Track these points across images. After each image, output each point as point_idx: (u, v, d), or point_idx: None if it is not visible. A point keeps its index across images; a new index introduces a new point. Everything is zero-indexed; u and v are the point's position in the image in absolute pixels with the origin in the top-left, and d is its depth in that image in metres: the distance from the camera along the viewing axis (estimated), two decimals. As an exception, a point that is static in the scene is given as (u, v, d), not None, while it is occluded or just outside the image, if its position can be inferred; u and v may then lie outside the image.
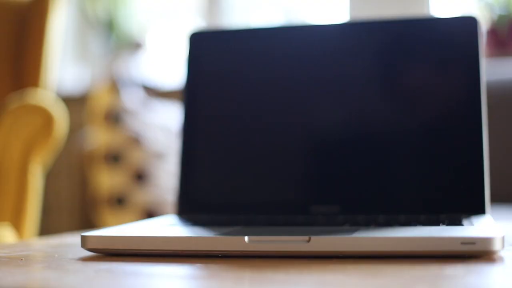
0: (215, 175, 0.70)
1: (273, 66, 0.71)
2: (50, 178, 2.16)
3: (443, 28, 0.68)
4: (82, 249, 0.54)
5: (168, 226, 0.59)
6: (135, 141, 1.69)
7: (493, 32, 2.01)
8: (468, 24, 0.67)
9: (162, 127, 1.77)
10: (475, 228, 0.51)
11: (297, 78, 0.70)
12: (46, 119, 1.41)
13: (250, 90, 0.71)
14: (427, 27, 0.68)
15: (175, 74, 2.39)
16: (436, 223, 0.56)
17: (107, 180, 1.68)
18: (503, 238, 0.47)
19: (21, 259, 0.52)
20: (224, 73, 0.72)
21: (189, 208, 0.70)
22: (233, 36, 0.74)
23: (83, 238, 0.53)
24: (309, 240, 0.48)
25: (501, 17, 2.02)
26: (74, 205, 1.94)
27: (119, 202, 1.67)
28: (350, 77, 0.68)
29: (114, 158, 1.68)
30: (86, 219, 1.78)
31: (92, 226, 1.73)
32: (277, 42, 0.72)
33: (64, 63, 2.55)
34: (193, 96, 0.73)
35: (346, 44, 0.70)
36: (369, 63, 0.68)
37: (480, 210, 0.63)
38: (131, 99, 1.76)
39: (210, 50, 0.73)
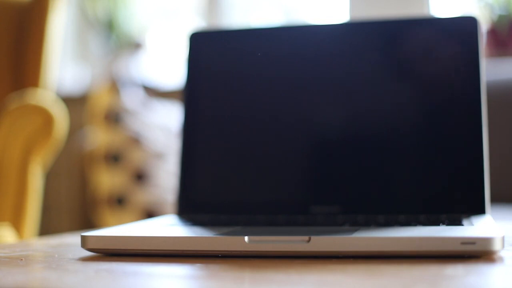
0: (215, 175, 0.70)
1: (273, 66, 0.71)
2: (50, 178, 2.16)
3: (443, 28, 0.68)
4: (82, 249, 0.54)
5: (168, 226, 0.59)
6: (135, 141, 1.69)
7: (493, 32, 2.01)
8: (468, 24, 0.67)
9: (162, 127, 1.77)
10: (475, 228, 0.51)
11: (297, 78, 0.70)
12: (46, 119, 1.41)
13: (250, 90, 0.71)
14: (427, 27, 0.68)
15: (175, 74, 2.39)
16: (436, 223, 0.56)
17: (107, 180, 1.68)
18: (503, 238, 0.47)
19: (21, 259, 0.52)
20: (224, 73, 0.72)
21: (189, 208, 0.70)
22: (233, 36, 0.73)
23: (83, 238, 0.53)
24: (309, 240, 0.48)
25: (501, 17, 2.02)
26: (74, 205, 1.94)
27: (119, 202, 1.67)
28: (350, 77, 0.68)
29: (114, 158, 1.68)
30: (86, 219, 1.78)
31: (92, 226, 1.73)
32: (277, 42, 0.72)
33: (64, 63, 2.55)
34: (193, 96, 0.73)
35: (346, 44, 0.70)
36: (368, 63, 0.68)
37: (480, 210, 0.63)
38: (131, 99, 1.76)
39: (210, 50, 0.73)
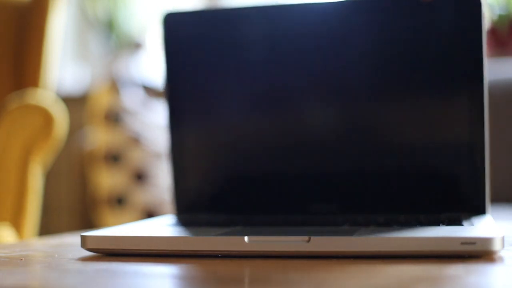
0: (214, 174, 0.70)
1: (255, 48, 0.67)
2: (50, 178, 2.16)
3: (445, 8, 0.65)
4: (82, 249, 0.54)
5: (168, 226, 0.59)
6: (135, 141, 1.69)
7: (493, 32, 2.01)
8: (471, 4, 0.63)
9: (162, 127, 1.77)
10: (475, 228, 0.51)
11: (289, 65, 0.66)
12: (46, 119, 1.41)
13: (239, 83, 0.69)
14: (428, 6, 0.65)
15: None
16: (436, 223, 0.56)
17: (107, 180, 1.68)
18: (503, 238, 0.47)
19: (21, 259, 0.52)
20: (207, 59, 0.67)
21: (187, 208, 0.70)
22: (212, 17, 0.67)
23: (83, 238, 0.53)
24: (309, 240, 0.48)
25: (501, 17, 2.02)
26: (74, 205, 1.93)
27: (119, 202, 1.67)
28: (346, 64, 0.66)
29: (114, 158, 1.68)
30: (86, 219, 1.78)
31: (92, 226, 1.73)
32: (257, 22, 0.67)
33: (64, 63, 2.55)
34: (179, 90, 0.68)
35: (339, 25, 0.65)
36: (365, 47, 0.65)
37: (480, 210, 0.63)
38: (131, 99, 1.76)
39: (188, 32, 0.67)
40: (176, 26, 0.68)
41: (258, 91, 0.68)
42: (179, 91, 0.69)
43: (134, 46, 2.50)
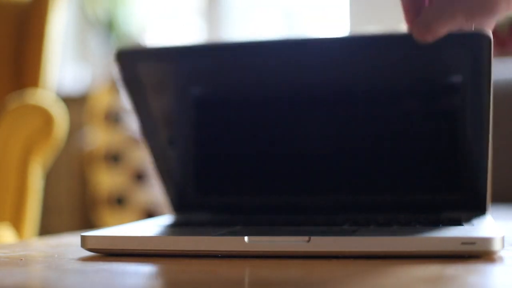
0: (213, 174, 0.70)
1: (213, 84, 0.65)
2: (50, 178, 2.16)
3: (450, 45, 0.63)
4: (82, 249, 0.54)
5: (168, 226, 0.59)
6: (135, 141, 1.69)
7: (493, 32, 2.01)
8: (478, 42, 0.59)
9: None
10: (475, 228, 0.51)
11: (281, 86, 0.65)
12: (46, 119, 1.41)
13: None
14: (433, 43, 0.62)
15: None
16: (436, 223, 0.56)
17: (107, 180, 1.68)
18: (503, 238, 0.47)
19: (21, 259, 0.52)
20: (165, 90, 0.65)
21: (187, 208, 0.70)
22: (164, 53, 0.63)
23: (83, 238, 0.53)
24: (309, 240, 0.48)
25: (501, 17, 2.02)
26: (74, 205, 1.94)
27: (119, 202, 1.67)
28: (344, 86, 0.67)
29: (114, 158, 1.68)
30: (86, 219, 1.78)
31: (92, 226, 1.73)
32: (207, 59, 0.63)
33: (64, 63, 2.55)
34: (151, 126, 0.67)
35: (333, 60, 0.63)
36: (363, 76, 0.64)
37: (480, 210, 0.63)
38: (131, 99, 1.75)
39: (143, 68, 0.64)
40: (130, 63, 0.65)
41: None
42: (152, 127, 0.67)
43: (134, 46, 2.50)
